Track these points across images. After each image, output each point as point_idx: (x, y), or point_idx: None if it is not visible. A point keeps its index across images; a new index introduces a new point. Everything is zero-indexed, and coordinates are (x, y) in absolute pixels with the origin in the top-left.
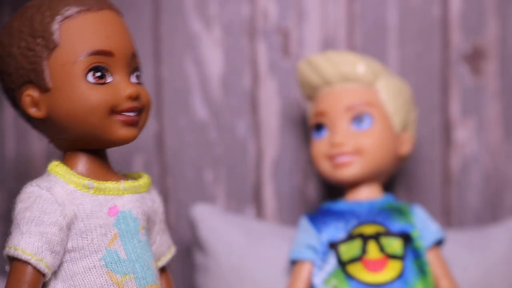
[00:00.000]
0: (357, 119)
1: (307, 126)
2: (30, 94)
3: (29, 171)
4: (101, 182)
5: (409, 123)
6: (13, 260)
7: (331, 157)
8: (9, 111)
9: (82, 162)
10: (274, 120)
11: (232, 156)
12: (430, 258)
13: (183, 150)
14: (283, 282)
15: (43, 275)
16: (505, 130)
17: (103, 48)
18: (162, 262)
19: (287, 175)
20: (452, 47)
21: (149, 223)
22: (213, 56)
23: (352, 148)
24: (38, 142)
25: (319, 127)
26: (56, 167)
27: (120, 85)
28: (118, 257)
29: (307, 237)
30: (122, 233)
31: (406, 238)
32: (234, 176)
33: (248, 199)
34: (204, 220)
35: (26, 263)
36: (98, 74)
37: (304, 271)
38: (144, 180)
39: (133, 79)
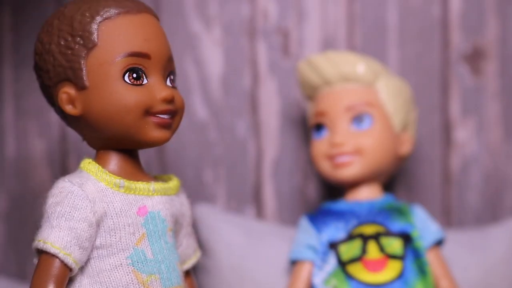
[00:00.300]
0: (357, 119)
1: (307, 126)
2: (67, 91)
3: (29, 171)
4: (131, 181)
5: (409, 123)
6: (41, 253)
7: (331, 157)
8: (9, 111)
9: (114, 161)
10: (274, 120)
11: (232, 156)
12: (430, 258)
13: (183, 150)
14: (283, 282)
15: (70, 269)
16: (505, 130)
17: (141, 50)
18: (188, 265)
19: (287, 175)
20: (452, 47)
21: (176, 225)
22: (213, 56)
23: (352, 148)
24: (38, 142)
25: (319, 127)
26: (88, 165)
27: (156, 87)
28: (145, 256)
29: (307, 237)
30: (150, 234)
31: (406, 238)
32: (234, 176)
33: (248, 199)
34: (204, 220)
35: (54, 256)
36: (135, 75)
37: (304, 271)
38: (174, 182)
39: (168, 82)
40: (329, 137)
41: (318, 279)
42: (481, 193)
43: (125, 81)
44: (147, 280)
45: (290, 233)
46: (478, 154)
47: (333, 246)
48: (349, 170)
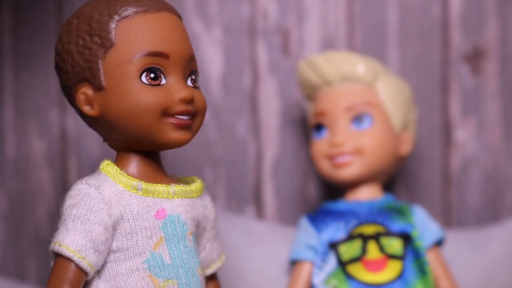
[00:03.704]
0: (357, 119)
1: (307, 126)
2: (85, 92)
3: (29, 171)
4: (150, 184)
5: (409, 123)
6: (57, 256)
7: (331, 157)
8: (9, 111)
9: (134, 163)
10: (274, 120)
11: (232, 156)
12: (430, 258)
13: (183, 150)
14: (283, 282)
15: (85, 273)
16: (505, 130)
17: (159, 50)
18: (212, 269)
19: (287, 175)
20: (452, 47)
21: (199, 229)
22: (213, 56)
23: (352, 148)
24: (38, 142)
25: (319, 127)
26: (107, 166)
27: (174, 88)
28: (162, 261)
29: (307, 237)
30: (169, 237)
31: (406, 238)
32: (234, 176)
33: (248, 199)
34: None
35: (69, 260)
36: (152, 75)
37: (304, 271)
38: (197, 185)
39: (189, 82)
40: (329, 137)
41: (318, 279)
42: (481, 193)
43: (142, 81)
44: (164, 285)
45: (290, 233)
46: (478, 154)
47: (333, 246)
48: (349, 170)
